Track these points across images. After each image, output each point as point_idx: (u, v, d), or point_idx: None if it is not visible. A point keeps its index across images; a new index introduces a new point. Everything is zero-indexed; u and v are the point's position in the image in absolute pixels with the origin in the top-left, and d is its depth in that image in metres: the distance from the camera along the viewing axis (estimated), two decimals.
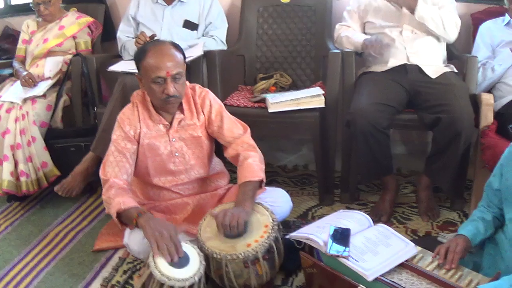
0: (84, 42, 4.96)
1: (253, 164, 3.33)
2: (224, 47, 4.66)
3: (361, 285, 2.75)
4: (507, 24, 4.26)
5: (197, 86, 3.50)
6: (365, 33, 4.38)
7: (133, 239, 3.26)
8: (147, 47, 3.26)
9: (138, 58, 3.26)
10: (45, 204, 4.43)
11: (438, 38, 4.21)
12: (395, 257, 2.88)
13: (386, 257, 2.88)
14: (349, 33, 4.32)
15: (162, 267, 2.84)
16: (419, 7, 4.05)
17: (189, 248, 3.00)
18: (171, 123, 3.39)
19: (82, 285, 3.40)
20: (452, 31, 4.16)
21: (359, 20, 4.39)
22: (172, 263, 2.87)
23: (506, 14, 4.30)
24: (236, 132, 3.47)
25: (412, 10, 4.08)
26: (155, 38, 4.26)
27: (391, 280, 2.75)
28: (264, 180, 3.37)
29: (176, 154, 3.44)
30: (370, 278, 2.74)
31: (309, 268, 3.07)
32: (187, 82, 3.41)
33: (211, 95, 3.51)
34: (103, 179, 3.32)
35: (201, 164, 3.53)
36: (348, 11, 4.43)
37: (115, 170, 3.30)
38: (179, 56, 3.26)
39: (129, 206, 3.13)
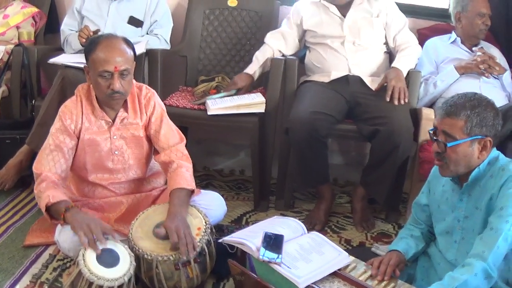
0: (27, 32, 4.88)
1: (187, 174, 3.34)
2: (168, 47, 4.63)
3: None
4: (453, 42, 4.34)
5: (144, 87, 3.48)
6: (305, 41, 4.39)
7: (63, 236, 3.22)
8: (99, 40, 3.23)
9: (88, 49, 3.22)
10: None
11: (380, 50, 4.26)
12: (327, 265, 2.90)
13: (319, 265, 2.89)
14: None
15: (91, 265, 2.82)
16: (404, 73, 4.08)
17: (119, 248, 2.97)
18: (113, 120, 3.36)
19: (11, 281, 3.32)
20: (418, 55, 4.26)
21: (296, 27, 4.36)
22: (102, 262, 2.85)
23: (453, 32, 4.38)
24: (171, 141, 3.44)
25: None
26: (99, 33, 4.22)
27: None
28: (195, 192, 3.39)
29: (116, 152, 3.41)
30: (301, 285, 2.74)
31: (238, 276, 3.06)
32: (134, 81, 3.40)
33: (157, 98, 3.49)
34: (35, 173, 3.28)
35: (140, 164, 3.51)
36: (288, 19, 4.42)
37: (50, 164, 3.27)
38: (129, 52, 3.24)
39: (58, 199, 3.11)
